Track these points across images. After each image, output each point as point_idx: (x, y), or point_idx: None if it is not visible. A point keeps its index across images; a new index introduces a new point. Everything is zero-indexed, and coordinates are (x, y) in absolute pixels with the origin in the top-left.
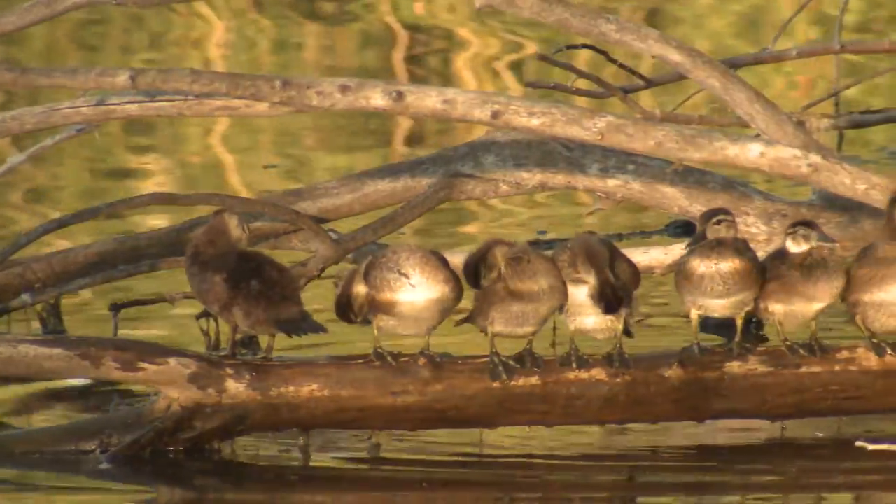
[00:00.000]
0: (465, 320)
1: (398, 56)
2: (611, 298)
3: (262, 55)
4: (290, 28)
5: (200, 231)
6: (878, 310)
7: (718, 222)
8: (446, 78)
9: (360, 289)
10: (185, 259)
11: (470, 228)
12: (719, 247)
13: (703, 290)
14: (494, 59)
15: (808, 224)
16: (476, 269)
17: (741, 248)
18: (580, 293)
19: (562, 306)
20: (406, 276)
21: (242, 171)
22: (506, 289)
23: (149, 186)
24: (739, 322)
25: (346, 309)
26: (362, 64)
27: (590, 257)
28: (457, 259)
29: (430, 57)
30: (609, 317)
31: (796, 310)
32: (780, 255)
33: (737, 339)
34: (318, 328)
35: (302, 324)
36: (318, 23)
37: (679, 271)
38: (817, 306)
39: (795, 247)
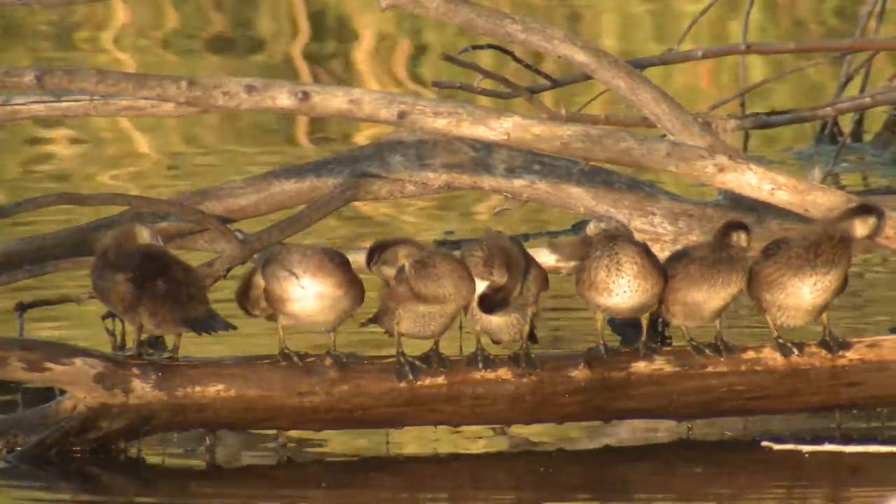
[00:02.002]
0: (371, 321)
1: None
2: (496, 303)
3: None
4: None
5: (110, 235)
6: (780, 309)
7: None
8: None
9: (259, 281)
10: (94, 260)
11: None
12: (617, 243)
13: (604, 287)
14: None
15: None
16: (372, 254)
17: (641, 247)
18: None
19: (466, 306)
20: (296, 275)
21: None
22: (411, 291)
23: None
24: (645, 322)
25: (243, 300)
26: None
27: (508, 263)
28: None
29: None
30: (514, 316)
31: (695, 309)
32: (680, 255)
33: (643, 338)
34: (227, 326)
35: (210, 322)
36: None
37: (579, 279)
38: (716, 305)
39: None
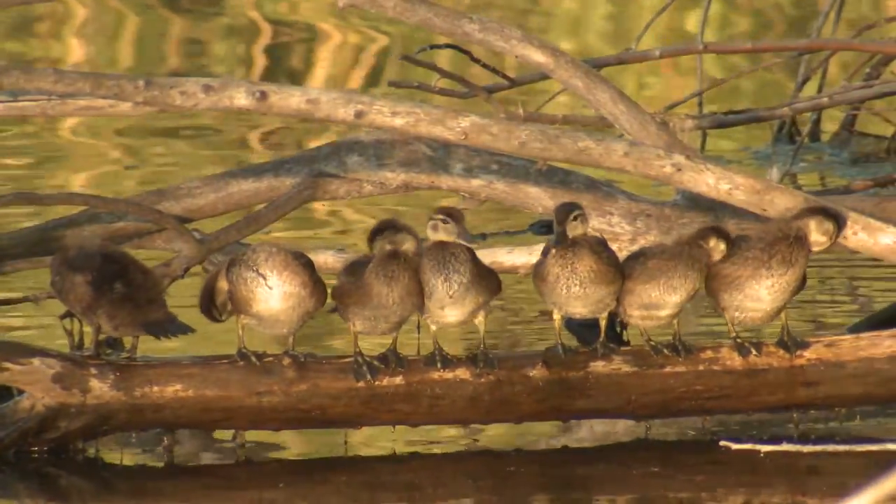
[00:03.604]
0: (334, 310)
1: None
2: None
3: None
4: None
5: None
6: (739, 309)
7: (576, 218)
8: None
9: (223, 284)
10: (54, 258)
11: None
12: (574, 248)
13: (559, 292)
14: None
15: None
16: (381, 231)
17: (597, 248)
18: (440, 290)
19: (420, 308)
20: (263, 276)
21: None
22: (360, 282)
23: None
24: (603, 321)
25: (209, 304)
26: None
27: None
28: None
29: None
30: (469, 316)
31: (652, 308)
32: (637, 255)
33: (601, 338)
34: (186, 329)
35: (169, 326)
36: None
37: (536, 273)
38: (671, 307)
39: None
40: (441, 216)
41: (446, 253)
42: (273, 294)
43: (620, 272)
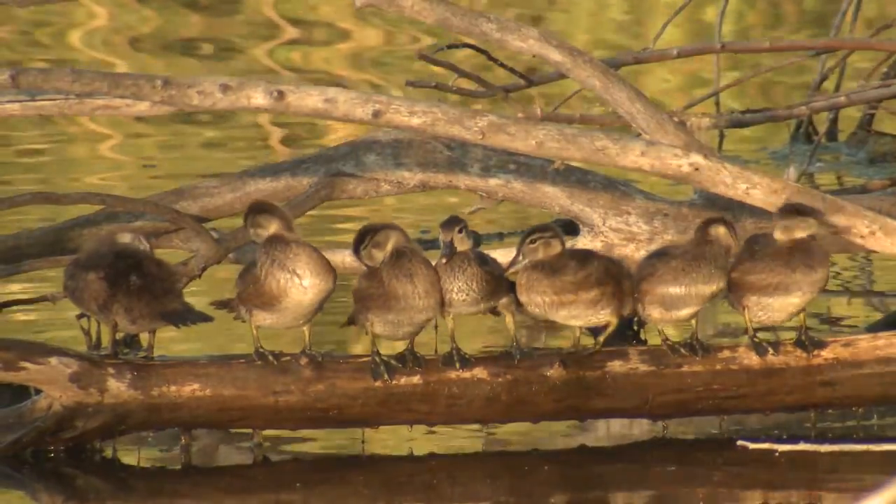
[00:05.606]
0: (349, 322)
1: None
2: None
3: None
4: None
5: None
6: (762, 308)
7: (533, 241)
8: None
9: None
10: (69, 263)
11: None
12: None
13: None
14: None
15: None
16: (363, 238)
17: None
18: (456, 287)
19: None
20: (298, 275)
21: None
22: (381, 288)
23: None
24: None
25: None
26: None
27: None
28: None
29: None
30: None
31: (670, 312)
32: (659, 253)
33: (608, 330)
34: (204, 318)
35: (187, 315)
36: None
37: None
38: (695, 303)
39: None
40: (444, 229)
41: (456, 263)
42: (307, 292)
43: (624, 279)
